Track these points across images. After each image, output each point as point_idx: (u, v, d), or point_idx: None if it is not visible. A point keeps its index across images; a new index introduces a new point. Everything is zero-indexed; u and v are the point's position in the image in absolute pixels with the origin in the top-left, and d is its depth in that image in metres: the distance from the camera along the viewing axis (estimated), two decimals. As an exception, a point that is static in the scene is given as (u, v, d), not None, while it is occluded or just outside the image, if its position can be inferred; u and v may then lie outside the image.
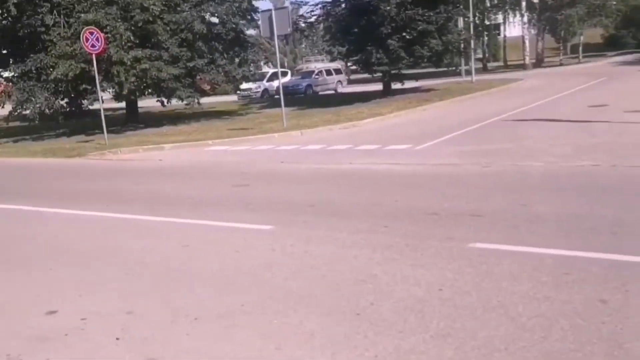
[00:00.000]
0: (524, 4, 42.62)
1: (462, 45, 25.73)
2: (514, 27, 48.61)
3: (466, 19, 29.93)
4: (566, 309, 4.01)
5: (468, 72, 32.62)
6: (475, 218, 6.33)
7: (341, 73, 35.97)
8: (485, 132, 13.16)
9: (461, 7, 26.78)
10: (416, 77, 27.16)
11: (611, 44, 52.53)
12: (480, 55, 47.99)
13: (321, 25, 27.89)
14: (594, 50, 48.19)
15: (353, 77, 40.39)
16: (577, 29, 42.63)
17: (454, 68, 38.65)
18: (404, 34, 22.89)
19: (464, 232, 5.85)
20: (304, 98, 31.23)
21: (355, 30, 24.51)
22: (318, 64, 40.70)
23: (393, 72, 24.88)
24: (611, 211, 6.19)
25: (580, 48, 43.41)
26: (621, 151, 9.41)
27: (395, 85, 26.02)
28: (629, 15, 48.60)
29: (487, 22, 46.52)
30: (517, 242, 5.40)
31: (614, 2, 43.56)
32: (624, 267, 4.62)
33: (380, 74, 25.16)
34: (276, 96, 34.92)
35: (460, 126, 14.34)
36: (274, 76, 36.90)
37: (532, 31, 44.30)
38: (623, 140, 10.47)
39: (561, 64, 41.78)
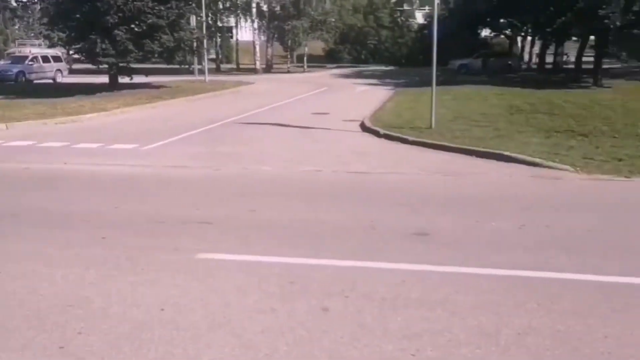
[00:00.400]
0: (254, 10, 44.38)
1: (194, 44, 25.44)
2: (246, 32, 50.42)
3: (199, 18, 29.77)
4: (291, 320, 3.93)
5: (201, 72, 32.54)
6: (203, 226, 6.02)
7: (61, 61, 32.45)
8: (216, 134, 13.02)
9: (193, 4, 26.50)
10: (146, 72, 25.99)
11: (331, 57, 58.26)
12: (214, 56, 48.60)
13: (37, 7, 24.79)
14: (316, 61, 52.57)
15: (76, 67, 36.94)
16: (302, 39, 45.96)
17: (187, 66, 38.26)
18: (132, 25, 21.67)
19: (192, 242, 5.49)
20: (15, 86, 27.45)
21: (78, 16, 22.37)
22: (34, 49, 36.17)
23: (121, 64, 23.36)
24: (334, 216, 6.46)
25: (305, 58, 46.96)
26: (342, 157, 10.11)
27: (123, 80, 24.47)
28: (345, 33, 54.36)
29: (220, 24, 47.22)
30: (245, 252, 5.24)
31: (333, 20, 48.12)
32: (345, 273, 4.76)
33: (107, 66, 23.38)
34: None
35: (192, 127, 13.99)
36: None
37: (262, 37, 46.43)
38: (341, 146, 11.31)
39: (289, 71, 44.62)
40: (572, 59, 41.61)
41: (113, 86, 23.83)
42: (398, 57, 57.59)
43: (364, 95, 23.81)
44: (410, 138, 11.42)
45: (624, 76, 30.86)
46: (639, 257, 5.18)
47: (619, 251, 5.29)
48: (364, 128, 13.50)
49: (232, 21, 49.34)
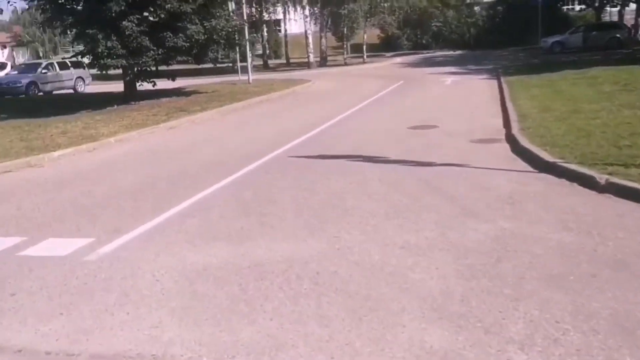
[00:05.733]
0: (304, -4, 38.36)
1: (234, 35, 19.57)
2: (295, 23, 44.64)
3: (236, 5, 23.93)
4: None
5: (246, 70, 26.79)
6: None
7: (83, 67, 27.22)
8: (257, 193, 6.92)
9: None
10: (178, 73, 20.31)
11: (387, 45, 51.84)
12: (261, 52, 42.94)
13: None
14: (372, 50, 45.89)
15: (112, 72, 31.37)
16: (360, 25, 39.65)
17: (230, 64, 32.76)
18: (145, 13, 15.95)
19: None
20: (22, 101, 22.38)
21: (79, 7, 16.94)
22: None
23: (142, 68, 17.66)
24: None
25: (365, 47, 40.56)
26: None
27: (145, 86, 18.82)
28: (407, 16, 47.76)
29: (266, 17, 41.47)
30: None
31: (396, 0, 41.58)
32: None
33: (120, 70, 17.81)
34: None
35: (213, 174, 8.01)
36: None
37: (315, 27, 40.33)
38: (538, 229, 5.07)
39: (345, 64, 38.31)
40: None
41: (130, 96, 18.25)
42: (466, 39, 50.80)
43: (460, 91, 17.36)
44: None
45: None
46: None
47: None
48: (534, 162, 7.13)
49: (279, 12, 43.43)
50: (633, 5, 41.96)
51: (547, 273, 4.00)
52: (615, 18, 43.40)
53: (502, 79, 18.01)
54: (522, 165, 7.23)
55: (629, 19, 41.93)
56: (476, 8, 52.65)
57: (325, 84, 23.05)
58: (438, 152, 8.36)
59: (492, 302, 3.64)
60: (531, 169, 6.96)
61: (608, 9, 45.16)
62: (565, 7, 48.54)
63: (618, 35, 33.19)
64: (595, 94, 12.24)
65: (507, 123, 10.10)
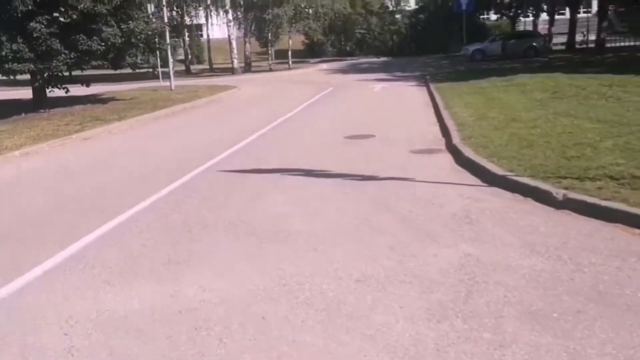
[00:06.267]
0: (227, 0, 37.30)
1: (154, 38, 18.43)
2: (218, 29, 43.45)
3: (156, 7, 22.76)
4: None
5: (167, 76, 25.55)
6: None
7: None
8: (182, 215, 6.16)
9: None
10: (94, 79, 18.91)
11: (312, 51, 51.75)
12: (183, 57, 41.48)
13: None
14: (296, 56, 45.42)
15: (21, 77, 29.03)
16: (285, 31, 39.12)
17: (150, 69, 31.31)
18: (56, 14, 14.61)
19: None
20: None
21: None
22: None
23: (52, 73, 16.16)
24: None
25: (290, 52, 40.03)
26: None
27: (56, 92, 17.35)
28: (332, 22, 47.81)
29: (187, 21, 40.10)
30: None
31: (321, 6, 41.37)
32: None
33: (28, 75, 16.30)
34: None
35: (131, 191, 7.17)
36: None
37: (239, 32, 39.39)
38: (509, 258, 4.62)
39: (270, 69, 37.61)
40: (592, 37, 36.08)
41: (39, 103, 16.75)
42: (389, 47, 51.57)
43: (391, 97, 17.13)
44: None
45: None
46: None
47: None
48: (483, 175, 6.73)
49: (201, 16, 42.09)
50: (545, 16, 43.90)
51: (526, 310, 3.52)
52: (529, 27, 45.25)
53: (432, 86, 17.96)
54: (470, 178, 6.84)
55: (542, 28, 43.83)
56: (397, 16, 53.51)
57: (252, 90, 22.29)
58: (379, 163, 7.88)
59: (473, 351, 3.10)
60: (480, 183, 6.57)
61: (522, 18, 47.04)
62: (481, 17, 50.18)
63: (535, 44, 34.41)
64: (528, 101, 12.22)
65: (445, 132, 9.79)
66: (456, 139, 8.68)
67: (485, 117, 10.48)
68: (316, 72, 35.31)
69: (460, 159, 7.71)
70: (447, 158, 8.09)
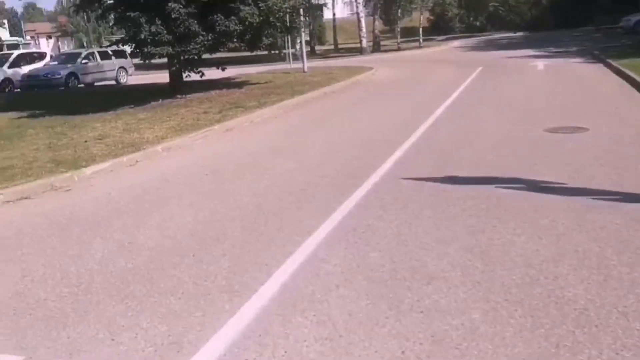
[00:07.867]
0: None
1: (292, 17, 17.07)
2: (339, 8, 42.01)
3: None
4: None
5: (295, 58, 24.34)
6: None
7: (125, 57, 25.16)
8: (381, 261, 4.52)
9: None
10: (220, 63, 17.92)
11: (437, 28, 48.91)
12: (308, 37, 40.45)
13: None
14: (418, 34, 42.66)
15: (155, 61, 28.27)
16: (417, 4, 36.81)
17: (277, 51, 30.51)
18: (194, -7, 13.61)
19: None
20: (61, 94, 20.46)
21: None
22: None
23: (189, 56, 15.25)
24: None
25: (421, 30, 37.58)
26: None
27: (190, 77, 16.51)
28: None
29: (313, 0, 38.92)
30: None
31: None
32: None
33: (166, 59, 15.52)
34: (17, 90, 23.70)
35: (299, 217, 5.64)
36: (22, 60, 25.44)
37: (365, 10, 37.56)
38: None
39: (399, 49, 35.41)
40: None
41: (176, 88, 16.01)
42: (527, 20, 47.56)
43: (565, 77, 14.53)
44: None
45: None
46: None
47: None
48: None
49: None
50: None
51: None
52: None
53: (613, 63, 15.08)
54: None
55: None
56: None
57: (391, 72, 20.40)
58: (627, 172, 5.75)
59: None
60: None
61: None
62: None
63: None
64: None
65: None
66: None
67: None
68: (450, 49, 32.72)
69: None
70: None
